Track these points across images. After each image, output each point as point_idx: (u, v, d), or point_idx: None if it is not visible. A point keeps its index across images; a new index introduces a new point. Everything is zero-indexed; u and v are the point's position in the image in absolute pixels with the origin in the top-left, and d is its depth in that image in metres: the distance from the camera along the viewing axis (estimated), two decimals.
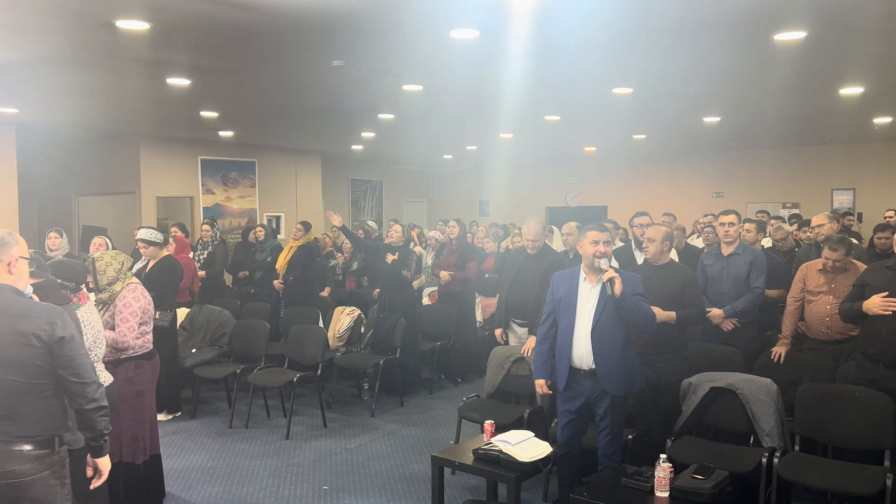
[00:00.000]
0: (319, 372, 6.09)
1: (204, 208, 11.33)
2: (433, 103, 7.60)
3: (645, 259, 4.69)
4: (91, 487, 2.76)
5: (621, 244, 6.38)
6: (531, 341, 4.90)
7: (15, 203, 9.11)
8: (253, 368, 6.17)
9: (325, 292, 8.13)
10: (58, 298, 3.28)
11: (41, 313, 2.56)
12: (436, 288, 8.00)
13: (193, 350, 6.52)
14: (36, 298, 2.90)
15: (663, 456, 3.36)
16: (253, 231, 8.69)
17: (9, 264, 2.62)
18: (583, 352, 3.83)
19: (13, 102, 7.50)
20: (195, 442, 5.65)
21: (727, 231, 5.00)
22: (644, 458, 4.09)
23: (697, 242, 7.18)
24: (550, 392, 4.15)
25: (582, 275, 3.91)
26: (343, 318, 7.06)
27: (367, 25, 4.60)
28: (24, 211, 9.48)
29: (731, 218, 5.03)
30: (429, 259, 8.56)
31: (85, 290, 3.96)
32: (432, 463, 3.89)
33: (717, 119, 9.06)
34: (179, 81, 6.30)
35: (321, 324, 6.99)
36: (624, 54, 5.48)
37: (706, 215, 8.62)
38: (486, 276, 7.87)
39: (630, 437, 4.15)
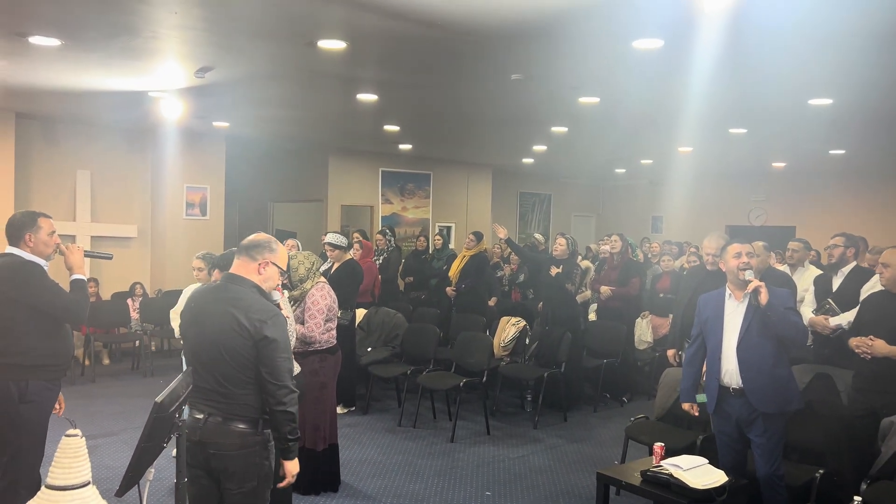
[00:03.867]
0: (485, 379, 6.20)
1: (382, 217, 11.96)
2: (609, 116, 7.49)
3: (881, 287, 4.29)
4: (278, 486, 2.91)
5: (812, 267, 5.90)
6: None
7: (222, 207, 10.19)
8: (422, 370, 6.41)
9: (492, 302, 8.26)
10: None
11: (260, 311, 2.74)
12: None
13: (369, 349, 6.90)
14: (284, 307, 3.22)
15: (858, 499, 3.05)
16: (422, 239, 9.06)
17: (260, 264, 2.84)
18: (731, 369, 3.68)
19: (225, 117, 8.41)
20: (367, 436, 5.97)
21: None
22: (832, 501, 3.75)
23: None
24: (697, 415, 4.06)
25: (727, 292, 3.78)
26: (509, 329, 7.13)
27: (548, 39, 4.65)
28: (228, 214, 10.55)
29: None
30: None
31: (280, 286, 4.35)
32: (598, 480, 3.82)
33: None
34: (368, 97, 6.73)
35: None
36: (826, 62, 5.07)
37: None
38: (661, 295, 7.59)
39: (818, 475, 3.81)
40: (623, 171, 13.97)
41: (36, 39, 4.85)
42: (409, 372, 6.42)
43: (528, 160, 12.50)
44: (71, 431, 1.76)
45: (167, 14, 4.21)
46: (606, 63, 5.24)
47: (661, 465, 3.64)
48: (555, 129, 8.57)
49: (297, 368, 4.24)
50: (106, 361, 8.63)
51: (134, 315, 8.63)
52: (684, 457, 3.69)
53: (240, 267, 2.85)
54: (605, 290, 7.25)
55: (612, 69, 5.42)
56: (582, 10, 4.01)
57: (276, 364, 2.72)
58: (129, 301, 8.70)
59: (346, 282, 6.26)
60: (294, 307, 4.67)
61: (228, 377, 2.72)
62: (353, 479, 5.00)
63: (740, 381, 3.65)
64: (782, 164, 12.21)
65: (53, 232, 3.52)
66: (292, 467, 2.87)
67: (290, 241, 7.15)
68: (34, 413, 3.38)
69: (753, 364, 3.62)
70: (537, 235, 10.93)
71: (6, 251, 3.47)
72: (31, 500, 1.68)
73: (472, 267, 7.51)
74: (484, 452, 5.63)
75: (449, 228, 12.95)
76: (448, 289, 7.68)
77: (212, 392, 2.74)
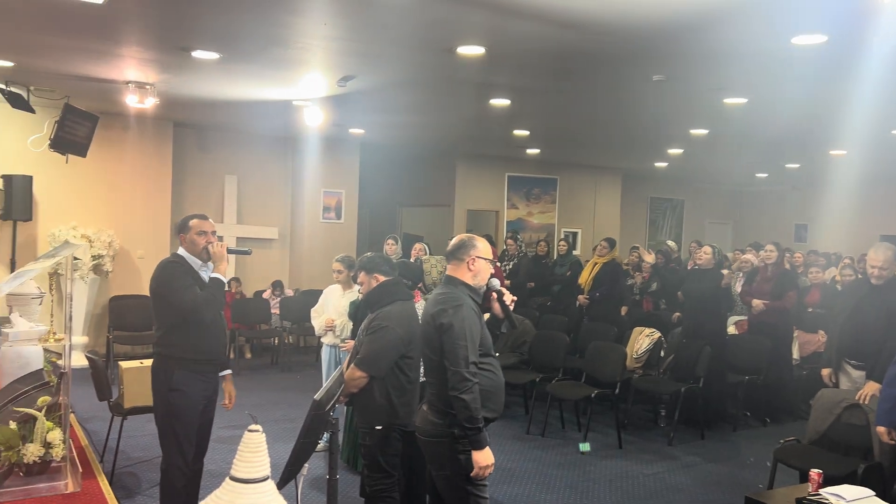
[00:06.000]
0: (617, 391, 6.01)
1: (507, 222, 11.94)
2: (757, 117, 7.06)
3: None
4: (471, 474, 2.87)
5: None
6: (870, 387, 4.29)
7: (355, 211, 10.56)
8: (551, 379, 6.31)
9: (623, 311, 8.02)
10: (403, 295, 3.71)
11: (443, 301, 2.93)
12: (744, 317, 7.39)
13: (497, 354, 6.86)
14: (420, 311, 3.37)
15: None
16: (543, 244, 8.93)
17: (468, 262, 3.02)
18: None
19: (361, 124, 8.70)
20: (495, 442, 5.89)
21: None
22: None
23: None
24: (894, 442, 3.64)
25: None
26: (642, 339, 6.88)
27: (695, 37, 4.44)
28: (360, 218, 10.92)
29: None
30: (737, 286, 7.94)
31: (418, 289, 4.42)
32: None
33: None
34: (501, 102, 6.73)
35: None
36: None
37: None
38: (809, 310, 7.05)
39: None
40: (765, 175, 13.17)
41: (198, 53, 5.22)
42: (537, 380, 6.33)
43: (661, 164, 12.05)
44: (253, 427, 1.84)
45: (317, 25, 4.39)
46: (760, 61, 4.94)
47: (819, 494, 3.36)
48: (694, 131, 8.20)
49: None
50: (248, 355, 9.15)
51: (274, 312, 9.10)
52: (847, 487, 3.38)
53: (453, 269, 3.06)
54: (757, 303, 6.78)
55: (766, 68, 5.10)
56: (736, 5, 3.80)
57: (451, 350, 2.81)
58: (270, 299, 9.19)
59: None
60: None
61: (429, 368, 2.95)
62: None
63: None
64: None
65: (203, 231, 3.67)
66: (478, 458, 2.82)
67: (419, 245, 7.25)
68: (182, 401, 3.59)
69: None
70: (670, 243, 10.51)
71: (177, 251, 3.73)
72: (217, 490, 1.78)
73: (605, 275, 7.31)
74: (616, 467, 5.45)
75: (575, 234, 12.72)
76: (580, 297, 7.52)
77: (426, 383, 2.99)
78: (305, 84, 6.23)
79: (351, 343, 4.53)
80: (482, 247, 3.06)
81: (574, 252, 11.76)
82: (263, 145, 9.84)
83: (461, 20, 4.23)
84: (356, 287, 5.02)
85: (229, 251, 3.74)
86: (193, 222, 3.69)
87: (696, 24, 4.17)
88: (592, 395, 5.83)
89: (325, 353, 5.48)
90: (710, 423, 6.46)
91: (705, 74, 5.43)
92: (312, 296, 8.52)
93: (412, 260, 6.46)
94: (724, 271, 7.70)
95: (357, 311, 4.85)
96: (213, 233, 3.73)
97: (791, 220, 14.75)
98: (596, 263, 7.47)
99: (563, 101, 6.73)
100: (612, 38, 4.51)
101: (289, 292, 9.63)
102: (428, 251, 7.13)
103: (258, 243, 9.67)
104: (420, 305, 4.28)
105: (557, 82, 5.91)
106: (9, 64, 5.88)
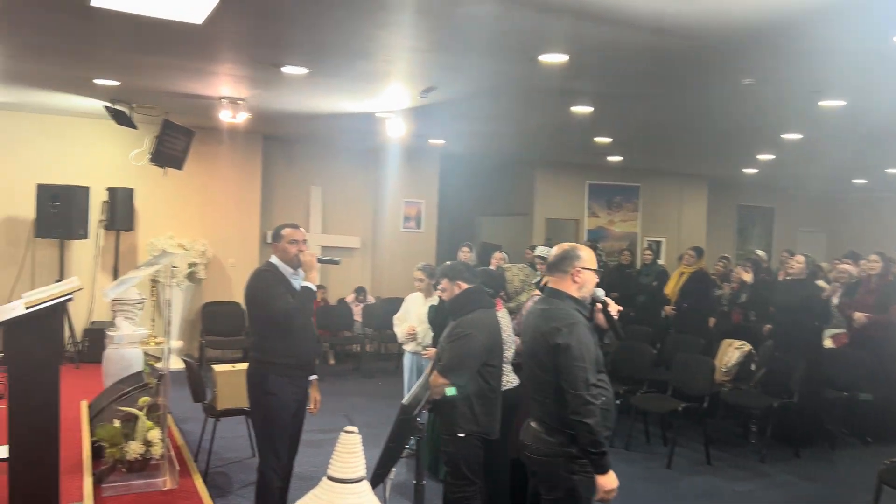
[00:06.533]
0: (705, 405, 5.81)
1: (588, 231, 11.77)
2: (855, 120, 6.71)
3: None
4: (595, 498, 2.79)
5: None
6: None
7: (434, 220, 10.66)
8: (635, 391, 6.16)
9: (711, 322, 7.75)
10: (485, 303, 3.72)
11: (557, 318, 2.80)
12: (842, 330, 7.01)
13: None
14: (503, 319, 3.34)
15: None
16: (626, 253, 8.73)
17: (572, 274, 2.90)
18: None
19: (441, 134, 8.79)
20: None
21: None
22: None
23: None
24: None
25: None
26: (731, 352, 6.64)
27: (788, 39, 4.27)
28: (439, 227, 11.01)
29: None
30: (835, 297, 7.54)
31: (500, 298, 4.41)
32: None
33: None
34: (583, 109, 6.66)
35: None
36: None
37: None
38: None
39: None
40: (864, 181, 12.47)
41: (287, 69, 5.41)
42: (621, 392, 6.20)
43: (750, 170, 11.61)
44: (349, 428, 1.89)
45: (402, 38, 4.48)
46: (858, 62, 4.70)
47: None
48: (786, 136, 7.87)
49: (515, 380, 4.27)
50: (332, 361, 9.37)
51: (357, 319, 9.28)
52: None
53: (556, 282, 2.94)
54: (859, 316, 6.43)
55: (866, 68, 4.85)
56: (833, 3, 3.63)
57: (571, 372, 2.71)
58: (353, 304, 9.38)
59: None
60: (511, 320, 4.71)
61: (538, 384, 2.86)
62: None
63: None
64: None
65: (294, 240, 3.80)
66: (603, 482, 2.73)
67: (498, 254, 7.24)
68: (276, 404, 3.72)
69: None
70: (759, 252, 10.10)
71: (269, 259, 3.88)
72: (314, 489, 1.83)
73: (692, 285, 7.10)
74: (705, 483, 5.26)
75: (658, 243, 12.40)
76: (667, 307, 7.32)
77: (531, 399, 2.91)
78: (388, 96, 6.35)
79: (432, 351, 4.57)
80: (586, 257, 2.94)
81: (658, 261, 11.48)
82: (347, 156, 10.09)
83: (545, 28, 4.22)
84: (437, 294, 5.08)
85: (319, 260, 3.86)
86: (286, 231, 3.83)
87: (790, 25, 4.01)
88: (679, 408, 5.67)
89: (407, 360, 5.56)
90: (805, 440, 6.15)
91: (799, 77, 5.21)
92: (393, 303, 8.63)
93: (492, 268, 6.47)
94: (821, 283, 7.34)
95: (436, 317, 4.90)
96: (304, 241, 3.86)
97: (893, 230, 13.89)
98: (683, 273, 7.27)
99: (647, 106, 6.60)
100: (701, 42, 4.39)
101: (371, 299, 9.82)
102: (507, 260, 7.13)
103: (341, 252, 9.88)
104: (503, 314, 4.27)
105: (642, 88, 5.80)
106: (114, 83, 6.27)
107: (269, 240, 3.92)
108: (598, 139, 8.69)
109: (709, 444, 5.88)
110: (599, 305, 3.04)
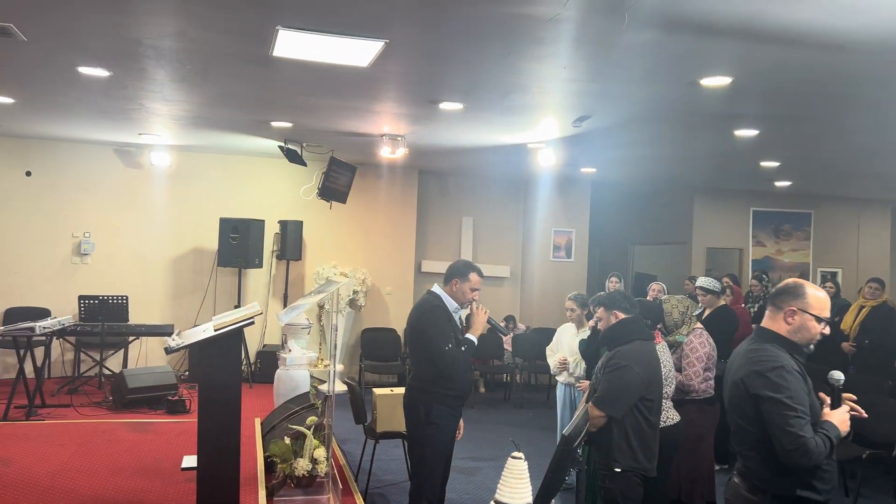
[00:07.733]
0: (894, 453, 5.23)
1: (753, 260, 11.08)
2: None
3: None
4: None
5: None
6: None
7: (585, 249, 10.52)
8: None
9: None
10: (644, 334, 3.62)
11: (757, 362, 2.55)
12: None
13: None
14: (662, 354, 3.14)
15: None
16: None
17: (786, 313, 2.61)
18: None
19: (592, 162, 8.69)
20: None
21: None
22: None
23: None
24: None
25: None
26: None
27: None
28: (590, 256, 10.84)
29: None
30: None
31: (658, 331, 4.27)
32: None
33: None
34: (747, 133, 6.33)
35: None
36: None
37: None
38: None
39: None
40: None
41: (444, 105, 5.62)
42: None
43: None
44: (515, 454, 1.92)
45: (557, 70, 4.52)
46: None
47: None
48: None
49: (676, 417, 4.09)
50: (482, 390, 9.44)
51: (507, 348, 9.31)
52: None
53: (768, 318, 2.69)
54: None
55: None
56: None
57: (773, 421, 2.44)
58: (502, 336, 9.43)
59: (720, 328, 5.89)
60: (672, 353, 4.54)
61: (741, 438, 2.60)
62: None
63: None
64: None
65: (476, 289, 3.97)
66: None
67: (656, 285, 7.02)
68: (436, 433, 3.82)
69: None
70: None
71: (433, 289, 4.02)
72: None
73: (875, 320, 6.45)
74: None
75: (834, 274, 11.40)
76: (844, 344, 6.70)
77: (738, 453, 2.67)
78: (541, 127, 6.40)
79: (586, 383, 4.49)
80: (812, 299, 2.59)
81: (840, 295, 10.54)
82: (497, 187, 10.26)
83: (707, 51, 4.08)
84: (588, 325, 5.00)
85: (489, 321, 3.98)
86: (474, 276, 3.95)
87: None
88: (864, 455, 5.14)
89: (559, 392, 5.50)
90: None
91: None
92: (543, 333, 8.58)
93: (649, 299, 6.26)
94: None
95: (588, 347, 4.81)
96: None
97: None
98: (863, 307, 6.63)
99: (820, 128, 6.14)
100: (880, 58, 4.05)
101: (521, 327, 9.82)
102: (666, 291, 6.87)
103: (491, 281, 10.01)
104: (662, 347, 4.12)
105: (813, 109, 5.43)
106: (288, 125, 6.83)
107: (444, 270, 4.06)
108: (765, 163, 8.19)
109: None
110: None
